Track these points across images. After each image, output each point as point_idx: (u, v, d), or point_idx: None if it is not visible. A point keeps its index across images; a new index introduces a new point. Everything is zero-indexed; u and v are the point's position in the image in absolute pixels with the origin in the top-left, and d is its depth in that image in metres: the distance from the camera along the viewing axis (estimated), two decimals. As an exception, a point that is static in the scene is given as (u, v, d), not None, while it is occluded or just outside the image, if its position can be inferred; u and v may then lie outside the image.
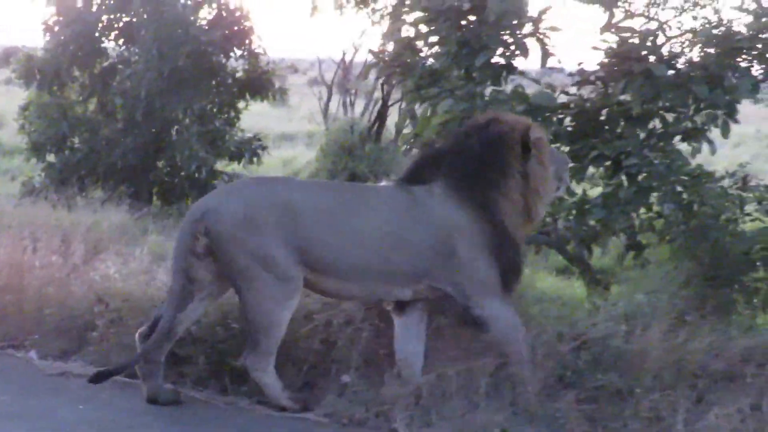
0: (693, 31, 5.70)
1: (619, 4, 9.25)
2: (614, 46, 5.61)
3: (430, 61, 5.82)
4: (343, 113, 15.60)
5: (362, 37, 15.78)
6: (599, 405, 4.40)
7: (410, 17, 5.67)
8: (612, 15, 9.56)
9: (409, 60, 5.93)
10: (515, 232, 4.60)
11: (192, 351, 4.77)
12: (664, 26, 5.89)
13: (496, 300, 4.53)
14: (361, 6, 8.88)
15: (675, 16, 5.76)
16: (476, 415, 4.32)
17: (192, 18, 8.99)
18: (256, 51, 9.97)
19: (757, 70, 5.53)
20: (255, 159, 10.03)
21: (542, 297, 5.66)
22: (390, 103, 13.34)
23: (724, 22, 5.66)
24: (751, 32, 5.49)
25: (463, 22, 5.61)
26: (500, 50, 5.66)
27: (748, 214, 5.91)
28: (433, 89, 5.69)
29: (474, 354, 4.63)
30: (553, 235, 6.35)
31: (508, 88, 5.95)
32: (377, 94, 14.01)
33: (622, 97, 5.78)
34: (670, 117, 5.82)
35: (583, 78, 5.84)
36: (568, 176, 5.13)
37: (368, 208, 4.51)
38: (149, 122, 9.07)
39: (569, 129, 5.87)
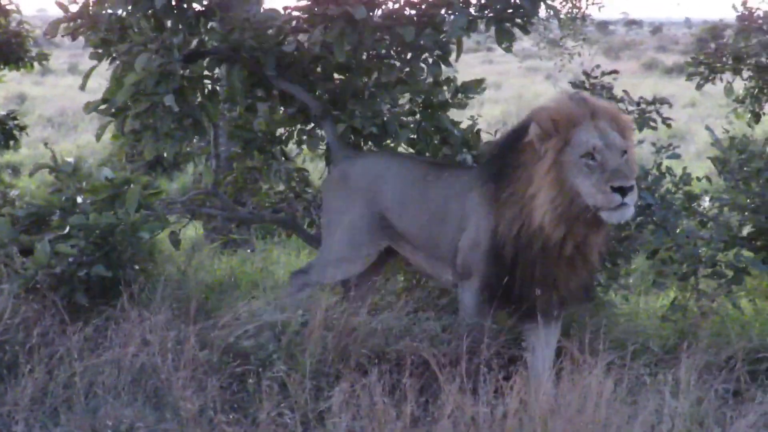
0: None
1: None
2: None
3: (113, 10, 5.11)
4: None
5: None
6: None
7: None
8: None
9: (94, 10, 5.20)
10: (528, 241, 4.09)
11: None
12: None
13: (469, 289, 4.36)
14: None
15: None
16: (107, 410, 3.74)
17: None
18: (6, 7, 8.21)
19: (473, 6, 5.02)
20: (12, 143, 8.55)
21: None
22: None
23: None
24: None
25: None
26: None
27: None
28: (123, 45, 4.98)
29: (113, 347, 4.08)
30: (286, 213, 5.75)
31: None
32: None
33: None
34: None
35: (291, 27, 5.23)
36: (629, 162, 4.01)
37: (434, 186, 4.52)
38: None
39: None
